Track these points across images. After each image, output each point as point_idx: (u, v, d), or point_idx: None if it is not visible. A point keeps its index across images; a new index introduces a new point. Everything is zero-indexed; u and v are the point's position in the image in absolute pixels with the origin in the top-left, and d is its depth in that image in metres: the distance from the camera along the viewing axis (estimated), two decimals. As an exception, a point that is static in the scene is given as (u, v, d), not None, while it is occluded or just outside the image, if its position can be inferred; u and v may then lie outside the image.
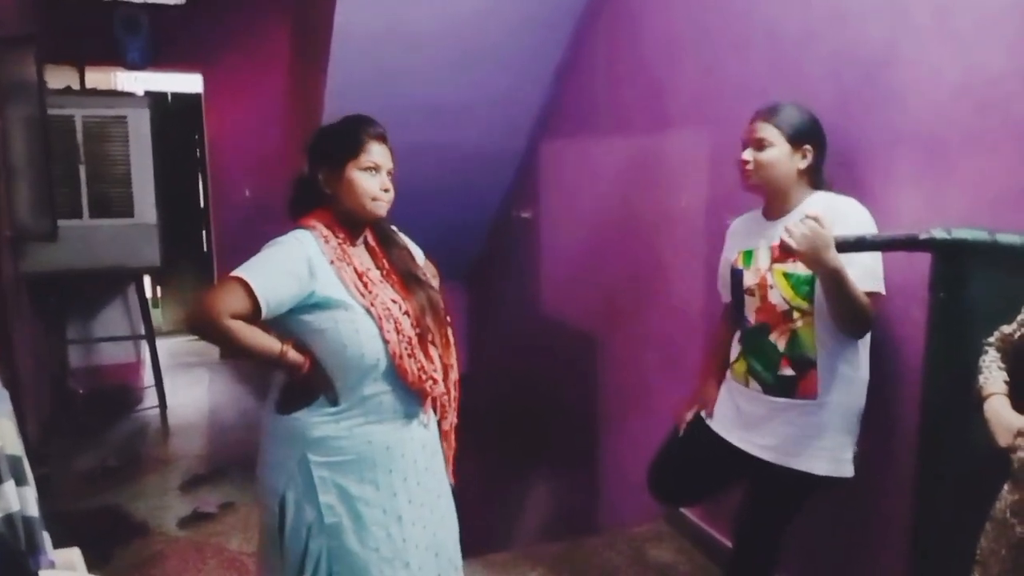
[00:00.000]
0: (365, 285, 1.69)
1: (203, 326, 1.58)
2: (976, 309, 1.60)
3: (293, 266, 1.62)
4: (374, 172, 1.72)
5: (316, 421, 1.68)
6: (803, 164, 1.89)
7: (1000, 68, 1.68)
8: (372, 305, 1.67)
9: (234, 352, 1.61)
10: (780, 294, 1.90)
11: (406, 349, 1.70)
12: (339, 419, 1.69)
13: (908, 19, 1.90)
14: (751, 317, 1.97)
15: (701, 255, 2.79)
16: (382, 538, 1.71)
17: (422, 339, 1.75)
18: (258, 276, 1.58)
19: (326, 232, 1.71)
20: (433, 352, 1.78)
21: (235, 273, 1.58)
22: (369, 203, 1.72)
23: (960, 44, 1.77)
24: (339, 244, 1.71)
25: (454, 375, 1.88)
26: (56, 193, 4.08)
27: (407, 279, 1.80)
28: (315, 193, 1.75)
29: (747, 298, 1.98)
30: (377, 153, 1.72)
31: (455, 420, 1.91)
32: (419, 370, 1.72)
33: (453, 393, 1.87)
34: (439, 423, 1.87)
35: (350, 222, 1.75)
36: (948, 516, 1.65)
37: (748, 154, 1.91)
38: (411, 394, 1.74)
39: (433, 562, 1.82)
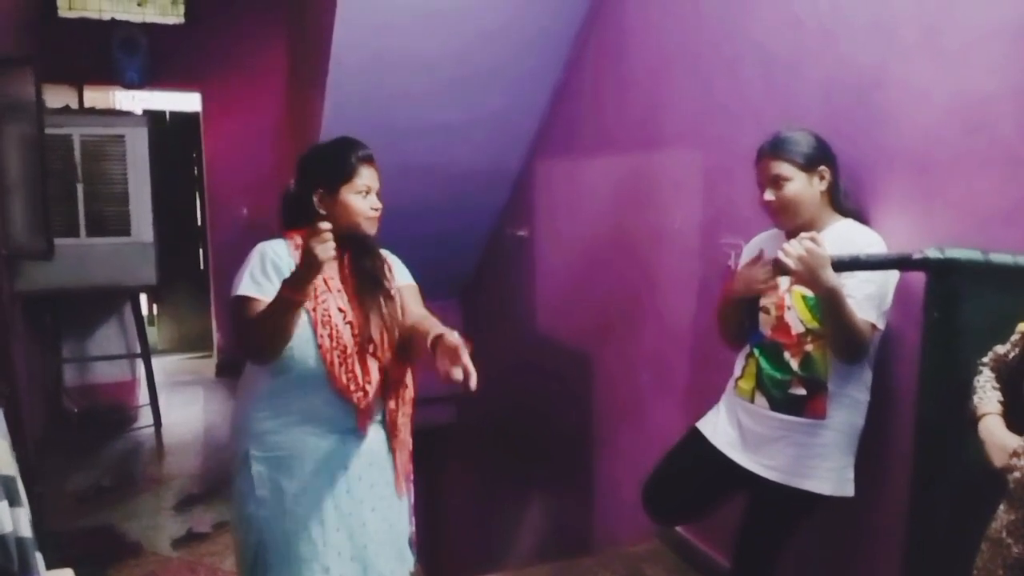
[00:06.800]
0: (315, 289, 1.76)
1: (247, 348, 1.79)
2: (970, 328, 1.60)
3: (267, 266, 1.77)
4: (366, 194, 1.83)
5: (258, 417, 1.79)
6: (823, 186, 1.90)
7: (988, 89, 1.70)
8: (314, 310, 1.76)
9: (275, 328, 1.69)
10: (797, 316, 1.90)
11: (338, 357, 1.77)
12: (278, 415, 1.78)
13: (898, 41, 1.92)
14: (767, 333, 1.97)
15: (693, 274, 2.80)
16: (304, 538, 1.77)
17: (361, 350, 1.80)
18: (248, 286, 1.75)
19: (300, 242, 1.78)
20: (372, 365, 1.82)
21: (233, 295, 1.76)
22: (364, 222, 1.84)
23: (949, 65, 1.79)
24: None
25: (408, 392, 1.92)
26: (53, 211, 4.09)
27: (361, 289, 1.85)
28: (307, 211, 1.83)
29: (762, 315, 1.98)
30: (368, 176, 1.84)
31: (407, 438, 1.94)
32: (349, 379, 1.77)
33: (404, 409, 1.91)
34: (390, 439, 1.91)
35: (339, 238, 1.76)
36: (943, 536, 1.65)
37: (769, 194, 1.91)
38: (348, 405, 1.80)
39: (357, 574, 1.84)
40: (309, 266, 1.61)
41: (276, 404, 1.80)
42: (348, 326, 1.80)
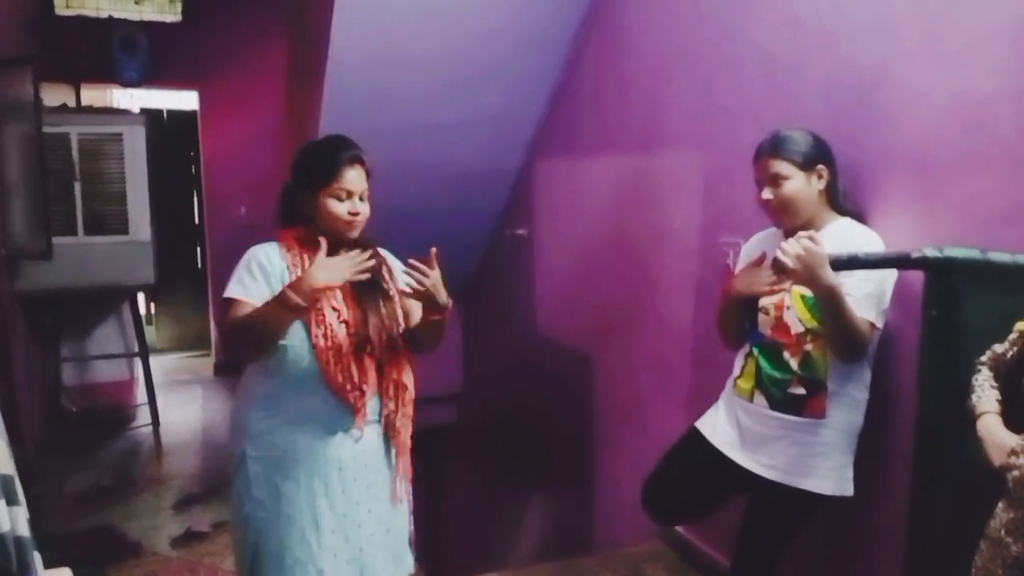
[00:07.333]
0: None
1: (231, 343, 1.80)
2: (968, 327, 1.60)
3: (253, 268, 1.79)
4: (345, 197, 1.80)
5: (255, 417, 1.80)
6: (821, 185, 1.90)
7: (988, 90, 1.70)
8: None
9: (264, 335, 1.71)
10: (796, 315, 1.90)
11: (333, 356, 1.76)
12: (274, 414, 1.79)
13: (898, 42, 1.92)
14: (766, 333, 1.97)
15: (694, 275, 2.80)
16: (297, 539, 1.77)
17: (358, 350, 1.80)
18: (235, 288, 1.77)
19: (291, 242, 1.83)
20: (368, 365, 1.82)
21: (223, 297, 1.79)
22: (342, 226, 1.81)
23: (949, 66, 1.79)
24: (299, 251, 1.81)
25: (408, 394, 1.91)
26: (51, 211, 4.08)
27: (359, 289, 1.83)
28: (296, 210, 1.86)
29: (761, 315, 1.98)
30: (349, 180, 1.80)
31: (407, 440, 1.93)
32: (344, 379, 1.77)
33: (404, 410, 1.90)
34: (388, 440, 1.90)
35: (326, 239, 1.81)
36: (943, 534, 1.65)
37: (768, 193, 1.91)
38: (344, 404, 1.79)
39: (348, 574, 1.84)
40: (315, 287, 1.66)
41: (271, 404, 1.80)
42: (343, 325, 1.80)
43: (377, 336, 1.84)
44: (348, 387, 1.78)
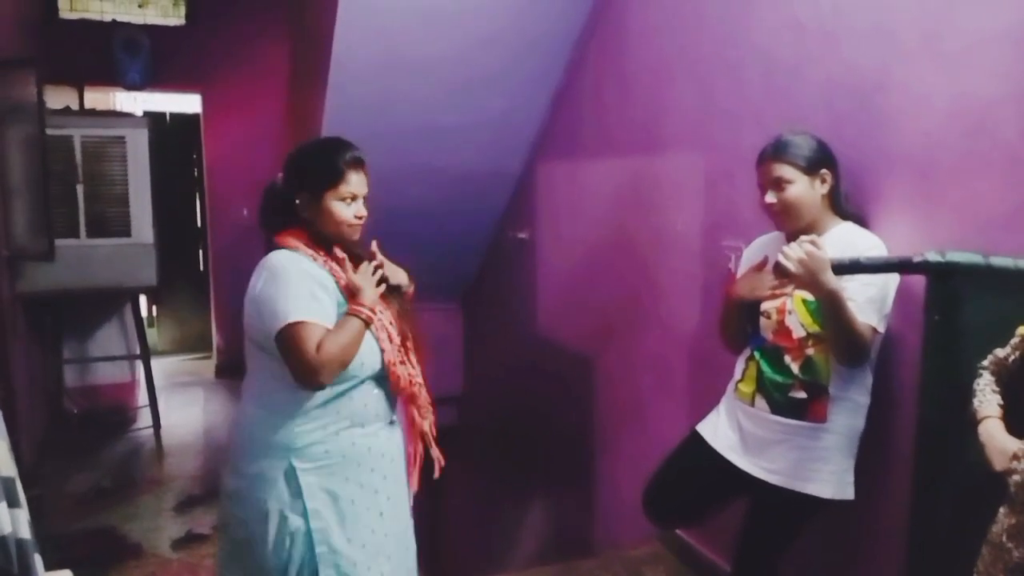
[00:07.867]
0: None
1: (317, 377, 1.66)
2: (970, 331, 1.61)
3: (309, 284, 1.72)
4: (351, 200, 1.79)
5: (302, 430, 1.74)
6: (824, 189, 1.90)
7: (990, 93, 1.70)
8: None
9: (353, 355, 1.70)
10: (798, 319, 1.89)
11: (398, 356, 1.81)
12: (325, 425, 1.76)
13: (899, 45, 1.92)
14: (768, 336, 1.97)
15: (695, 277, 2.80)
16: (367, 535, 1.79)
17: (404, 345, 1.86)
18: (300, 309, 1.67)
19: (310, 251, 1.79)
20: (412, 357, 1.89)
21: (288, 322, 1.65)
22: (345, 229, 1.80)
23: (950, 69, 1.79)
24: (325, 260, 1.80)
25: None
26: (54, 213, 4.09)
27: (385, 291, 1.87)
28: (292, 212, 1.81)
29: (763, 319, 1.98)
30: (355, 183, 1.79)
31: (433, 418, 1.98)
32: (408, 375, 1.84)
33: (426, 399, 1.96)
34: (412, 424, 1.95)
35: (324, 242, 1.82)
36: (944, 538, 1.65)
37: (771, 196, 1.91)
38: (390, 397, 1.86)
39: (404, 555, 1.90)
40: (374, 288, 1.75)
41: (324, 414, 1.75)
42: (391, 325, 1.85)
43: (410, 331, 1.91)
44: (412, 382, 1.85)
